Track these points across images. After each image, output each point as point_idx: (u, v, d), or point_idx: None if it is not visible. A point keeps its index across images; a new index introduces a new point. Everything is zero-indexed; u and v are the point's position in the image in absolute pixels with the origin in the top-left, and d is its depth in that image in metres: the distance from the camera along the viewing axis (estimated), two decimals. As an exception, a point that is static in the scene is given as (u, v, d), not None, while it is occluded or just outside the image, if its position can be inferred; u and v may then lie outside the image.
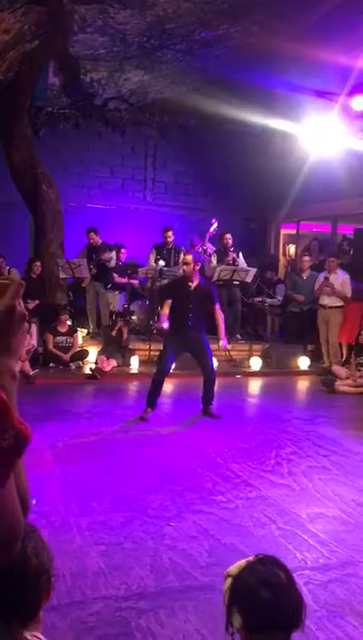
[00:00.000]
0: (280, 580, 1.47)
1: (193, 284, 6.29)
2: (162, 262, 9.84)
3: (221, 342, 6.57)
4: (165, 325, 6.41)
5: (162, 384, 6.40)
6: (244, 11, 8.95)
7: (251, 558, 1.53)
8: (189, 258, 6.37)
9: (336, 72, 9.67)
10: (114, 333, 8.92)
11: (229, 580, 1.51)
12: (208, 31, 9.47)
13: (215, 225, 10.37)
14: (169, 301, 6.38)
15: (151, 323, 9.73)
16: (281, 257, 13.55)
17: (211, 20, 9.13)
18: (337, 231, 11.66)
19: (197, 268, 6.41)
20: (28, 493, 0.98)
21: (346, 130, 9.88)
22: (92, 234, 10.13)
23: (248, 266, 10.10)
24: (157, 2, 8.47)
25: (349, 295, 9.29)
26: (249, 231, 13.27)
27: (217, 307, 6.42)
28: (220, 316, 6.49)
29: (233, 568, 1.53)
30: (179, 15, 8.86)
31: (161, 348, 6.97)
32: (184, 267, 6.38)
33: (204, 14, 8.91)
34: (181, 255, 10.16)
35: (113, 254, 10.12)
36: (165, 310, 6.39)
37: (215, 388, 6.61)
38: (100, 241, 10.18)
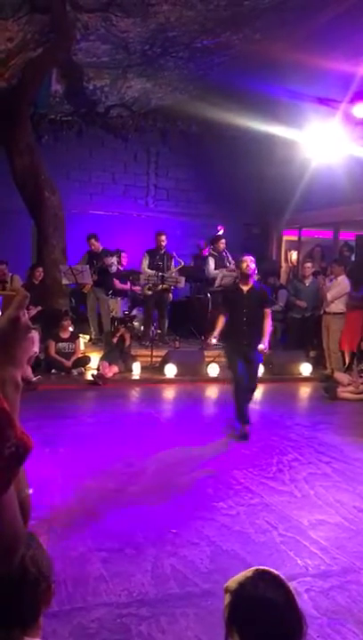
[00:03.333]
0: (280, 598, 1.44)
1: (246, 288, 6.13)
2: (149, 270, 9.83)
3: (261, 346, 6.15)
4: (214, 341, 6.41)
5: (243, 392, 6.11)
6: (246, 18, 9.01)
7: (249, 572, 1.50)
8: (249, 258, 6.17)
9: (338, 79, 9.72)
10: (115, 340, 8.93)
11: (227, 597, 1.49)
12: (210, 39, 9.53)
13: (221, 231, 10.38)
14: (223, 318, 6.23)
15: (152, 329, 9.75)
16: (283, 263, 13.56)
17: (213, 28, 9.19)
18: (339, 237, 11.68)
19: (253, 267, 6.14)
20: (29, 502, 0.99)
21: (348, 137, 9.92)
22: (93, 240, 10.13)
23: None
24: (160, 10, 8.52)
25: (329, 298, 9.31)
26: (251, 237, 13.29)
27: (268, 310, 6.23)
28: (268, 321, 6.23)
29: (232, 583, 1.50)
30: (181, 23, 8.92)
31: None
32: (245, 264, 6.10)
33: (206, 22, 8.97)
34: (174, 264, 10.22)
35: (114, 259, 10.13)
36: (219, 325, 6.22)
37: (215, 396, 6.55)
38: (100, 247, 10.18)
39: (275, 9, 8.74)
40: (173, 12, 8.60)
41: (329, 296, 9.37)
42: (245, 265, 6.12)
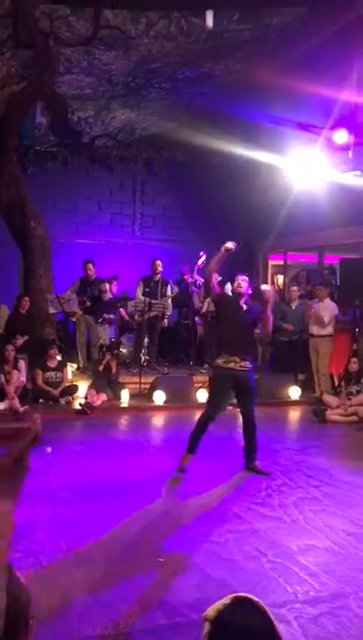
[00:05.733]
0: (259, 625, 1.43)
1: (245, 306, 5.86)
2: (142, 297, 9.87)
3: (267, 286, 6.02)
4: (229, 245, 5.80)
5: (205, 432, 5.72)
6: (226, 50, 9.21)
7: (228, 600, 1.49)
8: (243, 277, 5.95)
9: (319, 106, 9.93)
10: (101, 368, 8.91)
11: (206, 625, 1.47)
12: (192, 70, 9.72)
13: (204, 258, 10.47)
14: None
15: (141, 356, 9.73)
16: (270, 287, 13.64)
17: (194, 60, 9.39)
18: (324, 261, 11.79)
19: (249, 291, 5.91)
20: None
21: (329, 162, 10.09)
22: (90, 265, 10.15)
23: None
24: (141, 42, 8.71)
25: (326, 320, 9.35)
26: (236, 262, 13.37)
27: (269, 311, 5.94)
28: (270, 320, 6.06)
29: (210, 611, 1.49)
30: (163, 55, 9.10)
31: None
32: (238, 282, 5.87)
33: (187, 54, 9.16)
34: (169, 291, 10.28)
35: (107, 286, 10.19)
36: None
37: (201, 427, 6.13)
38: (94, 275, 10.20)
39: (255, 40, 8.95)
40: (155, 44, 8.79)
41: (326, 319, 9.40)
42: (236, 284, 5.95)
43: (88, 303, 9.83)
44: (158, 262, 10.25)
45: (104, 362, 8.95)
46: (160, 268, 10.27)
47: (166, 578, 3.57)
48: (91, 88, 10.00)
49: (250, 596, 1.54)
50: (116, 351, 9.31)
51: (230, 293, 6.41)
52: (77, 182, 12.64)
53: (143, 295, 9.99)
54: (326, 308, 9.40)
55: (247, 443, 5.89)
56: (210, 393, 6.01)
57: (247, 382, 5.80)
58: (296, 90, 9.57)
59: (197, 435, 5.70)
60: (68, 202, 12.81)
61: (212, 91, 10.50)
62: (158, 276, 10.27)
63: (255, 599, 1.52)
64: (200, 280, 10.54)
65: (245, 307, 5.86)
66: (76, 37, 8.52)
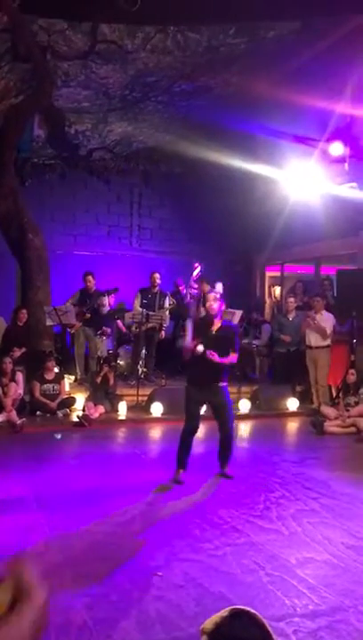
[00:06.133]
0: (256, 638, 1.43)
1: (215, 327, 5.69)
2: (140, 309, 9.88)
3: (200, 347, 5.60)
4: (200, 348, 5.52)
5: (191, 442, 5.75)
6: (223, 63, 9.29)
7: (225, 612, 1.49)
8: (213, 295, 5.70)
9: (315, 118, 10.01)
10: (99, 380, 8.89)
11: (204, 638, 1.47)
12: (188, 83, 9.79)
13: (198, 269, 10.50)
14: (191, 326, 5.76)
15: (138, 368, 9.72)
16: (266, 299, 13.69)
17: (191, 73, 9.47)
18: (321, 272, 11.83)
19: (223, 308, 5.81)
20: None
21: (325, 174, 10.15)
22: (90, 277, 10.14)
23: (233, 308, 10.19)
24: (138, 56, 8.78)
25: (328, 332, 9.36)
26: (234, 274, 13.43)
27: (235, 354, 5.72)
28: (233, 357, 5.72)
29: (208, 624, 1.48)
30: (159, 69, 9.18)
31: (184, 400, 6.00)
32: (209, 304, 5.65)
33: (183, 67, 9.24)
34: (167, 303, 10.28)
35: (106, 300, 10.19)
36: (189, 333, 5.70)
37: (201, 434, 6.34)
38: (94, 287, 10.20)
39: (251, 54, 9.04)
40: (151, 58, 8.87)
41: (328, 331, 9.40)
42: (208, 305, 5.68)
43: (88, 315, 9.82)
44: (157, 275, 10.26)
45: (102, 374, 8.93)
46: (158, 281, 10.28)
47: (164, 592, 3.55)
48: (88, 101, 10.08)
49: (248, 608, 1.53)
50: (113, 363, 9.30)
51: (203, 312, 6.14)
52: (75, 194, 12.70)
53: (141, 307, 9.99)
54: (326, 320, 9.41)
55: (221, 453, 5.94)
56: (185, 408, 5.95)
57: (220, 397, 5.78)
58: (292, 102, 9.66)
59: (181, 450, 5.76)
60: (66, 214, 12.86)
61: (208, 103, 10.59)
62: (157, 288, 10.28)
63: (253, 612, 1.52)
64: (195, 291, 10.52)
65: (216, 326, 5.70)
66: (73, 51, 8.60)
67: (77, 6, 7.63)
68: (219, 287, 10.30)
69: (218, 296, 5.74)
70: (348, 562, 4.04)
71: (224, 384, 5.83)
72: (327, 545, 4.31)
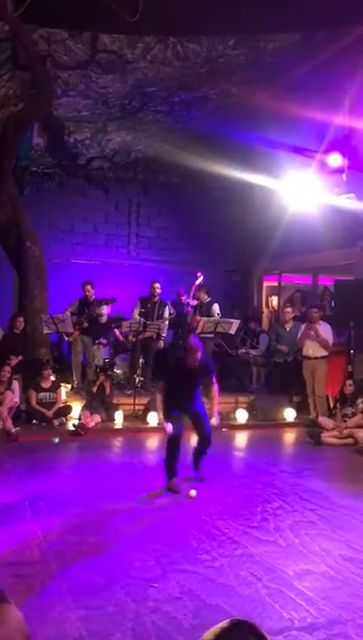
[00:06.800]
0: None
1: (193, 366, 5.79)
2: (138, 317, 9.86)
3: (213, 419, 6.08)
4: (169, 428, 5.73)
5: (178, 451, 5.83)
6: (222, 74, 9.33)
7: (225, 623, 1.47)
8: (195, 347, 5.76)
9: (313, 129, 10.05)
10: (95, 389, 8.85)
11: None
12: (187, 93, 9.83)
13: (201, 278, 10.48)
14: (162, 384, 5.99)
15: (135, 377, 9.69)
16: (264, 308, 13.69)
17: (190, 83, 9.51)
18: (318, 283, 11.84)
19: (198, 354, 5.79)
20: None
21: (323, 185, 10.18)
22: (89, 286, 10.11)
23: (231, 317, 10.18)
24: (138, 66, 8.82)
25: (330, 342, 9.34)
26: (232, 283, 13.45)
27: (214, 382, 6.07)
28: (215, 392, 6.14)
29: (208, 634, 1.47)
30: (159, 79, 9.22)
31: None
32: (192, 356, 5.71)
33: (183, 78, 9.28)
34: (166, 313, 10.27)
35: (105, 309, 10.17)
36: (162, 400, 5.88)
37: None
38: (93, 296, 10.17)
39: (250, 64, 9.09)
40: (151, 68, 8.91)
41: (330, 342, 9.38)
42: (191, 357, 5.71)
43: (86, 324, 9.79)
44: (157, 284, 10.25)
45: (98, 382, 8.90)
46: (158, 290, 10.26)
47: (161, 604, 3.50)
48: (87, 110, 10.10)
49: (248, 619, 1.51)
50: (109, 372, 9.26)
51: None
52: (73, 203, 12.71)
53: (140, 316, 9.97)
54: (324, 331, 9.39)
55: (195, 457, 6.12)
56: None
57: (194, 408, 5.94)
58: (291, 114, 9.70)
59: (169, 459, 5.82)
60: (64, 222, 12.87)
61: (207, 114, 10.63)
62: (157, 297, 10.26)
63: (253, 622, 1.50)
64: (193, 302, 10.50)
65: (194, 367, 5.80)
66: (73, 61, 8.63)
67: (78, 16, 7.66)
68: (215, 308, 10.30)
69: (199, 348, 5.77)
70: (346, 574, 4.00)
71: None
72: (325, 557, 4.28)
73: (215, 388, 6.17)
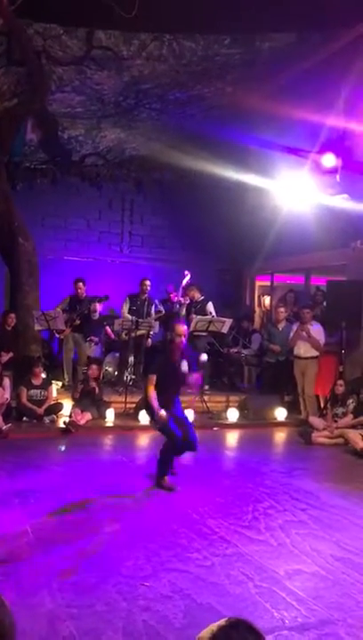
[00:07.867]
0: None
1: (177, 359, 5.89)
2: (128, 316, 9.83)
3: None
4: (163, 413, 5.64)
5: (179, 455, 5.91)
6: (217, 73, 9.32)
7: (223, 622, 1.47)
8: (184, 329, 5.90)
9: (307, 130, 10.05)
10: (85, 387, 8.83)
11: None
12: (182, 91, 9.81)
13: (188, 277, 10.48)
14: (154, 377, 5.84)
15: (126, 375, 9.67)
16: (256, 308, 13.69)
17: (185, 81, 9.49)
18: (310, 283, 11.85)
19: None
20: None
21: (317, 185, 10.19)
22: (80, 284, 10.06)
23: (223, 316, 10.18)
24: (133, 64, 8.79)
25: (321, 343, 9.36)
26: (224, 282, 13.45)
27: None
28: (196, 378, 6.26)
29: (205, 633, 1.46)
30: (154, 76, 9.19)
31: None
32: (179, 338, 5.79)
33: (178, 76, 9.26)
34: (153, 310, 10.24)
35: (97, 306, 10.13)
36: (152, 390, 5.76)
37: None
38: (84, 293, 10.12)
39: (245, 64, 9.08)
40: (146, 65, 8.88)
41: (322, 342, 9.38)
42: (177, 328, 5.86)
43: (77, 321, 9.75)
44: (147, 282, 10.22)
45: (90, 373, 8.88)
46: (148, 288, 10.25)
47: (152, 603, 3.49)
48: (82, 107, 10.06)
49: (244, 618, 1.51)
50: (98, 365, 9.23)
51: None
52: (67, 200, 12.65)
53: (129, 313, 9.95)
54: (317, 332, 9.40)
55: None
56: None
57: (177, 411, 5.95)
58: (285, 114, 9.71)
59: (166, 460, 5.84)
60: (57, 219, 12.82)
61: (202, 113, 10.62)
62: (146, 295, 10.23)
63: (249, 621, 1.50)
64: (184, 300, 10.46)
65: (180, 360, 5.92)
66: (68, 56, 8.59)
67: (73, 12, 7.62)
68: (210, 306, 10.29)
69: (184, 332, 5.94)
70: (337, 574, 4.01)
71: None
72: (316, 557, 4.28)
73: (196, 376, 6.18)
